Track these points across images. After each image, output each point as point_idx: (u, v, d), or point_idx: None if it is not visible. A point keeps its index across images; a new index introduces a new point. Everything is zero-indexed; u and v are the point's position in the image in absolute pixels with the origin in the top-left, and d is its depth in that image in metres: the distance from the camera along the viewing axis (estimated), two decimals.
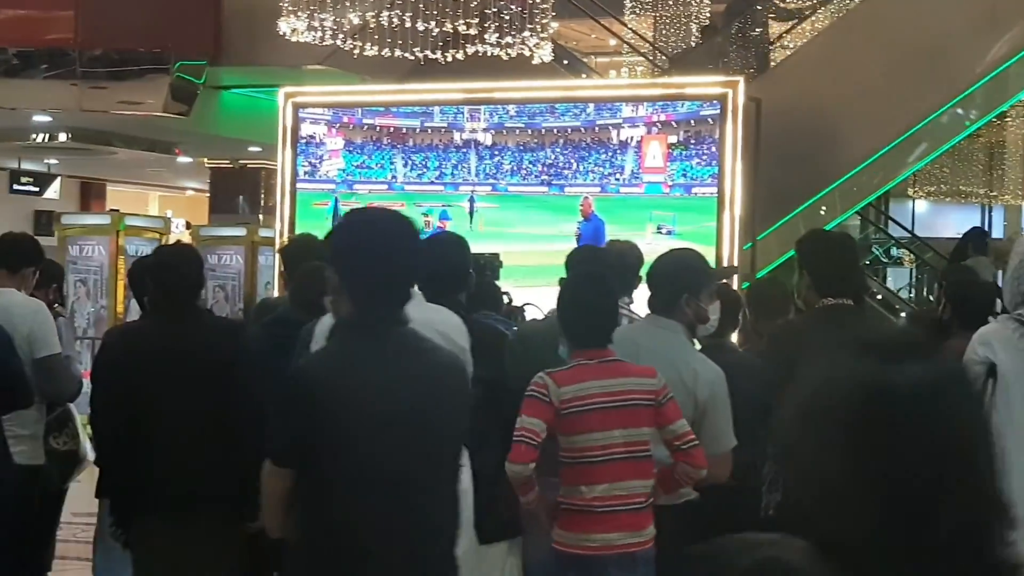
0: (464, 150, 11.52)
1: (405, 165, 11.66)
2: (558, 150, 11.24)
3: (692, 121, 10.67)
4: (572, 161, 11.18)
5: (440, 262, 5.58)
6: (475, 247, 6.18)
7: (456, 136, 11.57)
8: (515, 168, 11.38)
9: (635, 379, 5.08)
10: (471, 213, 11.49)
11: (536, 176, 11.36)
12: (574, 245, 6.47)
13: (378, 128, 11.75)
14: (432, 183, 11.64)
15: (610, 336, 5.17)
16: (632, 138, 10.92)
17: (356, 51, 11.37)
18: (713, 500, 5.61)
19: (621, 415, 5.02)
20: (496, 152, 11.45)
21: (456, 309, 5.50)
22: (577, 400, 5.00)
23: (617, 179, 11.03)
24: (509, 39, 10.94)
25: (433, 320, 4.97)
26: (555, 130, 11.25)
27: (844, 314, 5.51)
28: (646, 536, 5.06)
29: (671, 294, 5.44)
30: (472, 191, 11.46)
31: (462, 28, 10.71)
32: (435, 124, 11.60)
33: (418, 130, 11.68)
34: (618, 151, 10.97)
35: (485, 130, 11.46)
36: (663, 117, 10.82)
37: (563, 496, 5.08)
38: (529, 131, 11.35)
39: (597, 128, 11.12)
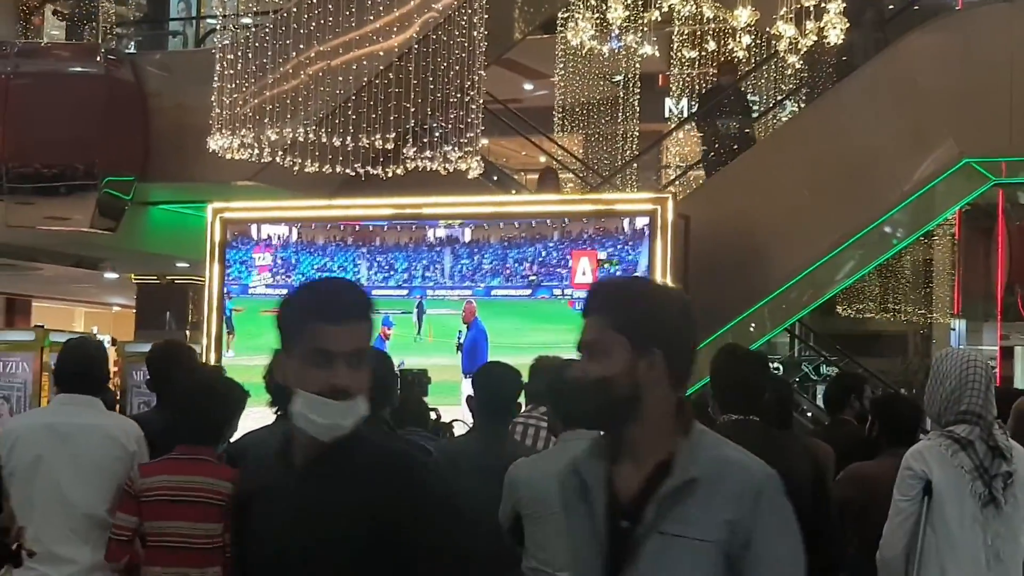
0: (438, 248, 11.20)
1: (370, 268, 11.36)
2: (549, 244, 10.81)
3: (621, 237, 10.67)
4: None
5: None
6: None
7: (429, 233, 11.17)
8: (497, 268, 11.00)
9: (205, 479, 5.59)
10: (419, 320, 11.18)
11: (522, 277, 10.96)
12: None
13: (342, 227, 11.49)
14: (399, 287, 11.20)
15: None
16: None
17: (295, 167, 11.36)
18: None
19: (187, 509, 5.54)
20: (475, 251, 11.19)
21: (379, 424, 5.48)
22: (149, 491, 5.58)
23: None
24: (428, 153, 10.94)
25: (105, 425, 5.87)
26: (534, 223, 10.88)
27: (745, 430, 5.37)
28: None
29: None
30: (420, 298, 11.15)
31: (378, 143, 10.71)
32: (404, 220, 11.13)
33: (386, 227, 11.40)
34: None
35: (462, 224, 11.04)
36: (591, 232, 10.82)
37: None
38: (515, 224, 10.96)
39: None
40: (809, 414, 16.19)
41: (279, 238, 11.50)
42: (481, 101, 11.59)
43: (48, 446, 6.01)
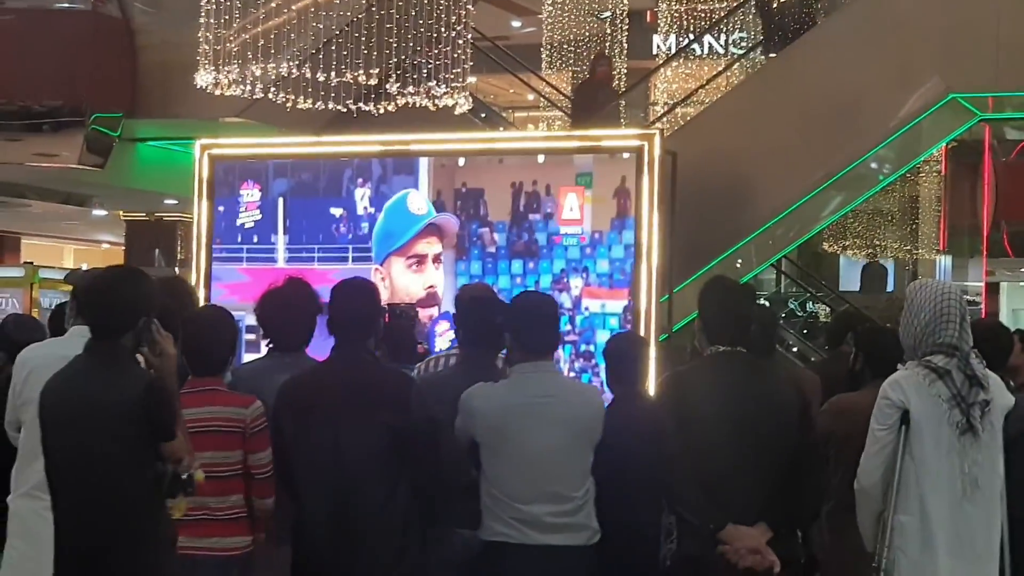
0: None
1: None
2: None
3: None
4: None
5: (347, 307, 5.60)
6: None
7: None
8: None
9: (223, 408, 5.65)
10: None
11: None
12: None
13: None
14: None
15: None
16: None
17: (287, 102, 11.34)
18: (611, 548, 5.71)
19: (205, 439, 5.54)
20: None
21: (363, 353, 5.54)
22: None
23: None
24: (413, 89, 10.93)
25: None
26: None
27: (732, 361, 5.53)
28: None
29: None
30: None
31: (362, 79, 10.69)
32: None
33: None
34: None
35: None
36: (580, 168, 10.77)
37: None
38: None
39: None
40: (795, 349, 16.31)
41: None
42: (469, 37, 11.57)
43: None
